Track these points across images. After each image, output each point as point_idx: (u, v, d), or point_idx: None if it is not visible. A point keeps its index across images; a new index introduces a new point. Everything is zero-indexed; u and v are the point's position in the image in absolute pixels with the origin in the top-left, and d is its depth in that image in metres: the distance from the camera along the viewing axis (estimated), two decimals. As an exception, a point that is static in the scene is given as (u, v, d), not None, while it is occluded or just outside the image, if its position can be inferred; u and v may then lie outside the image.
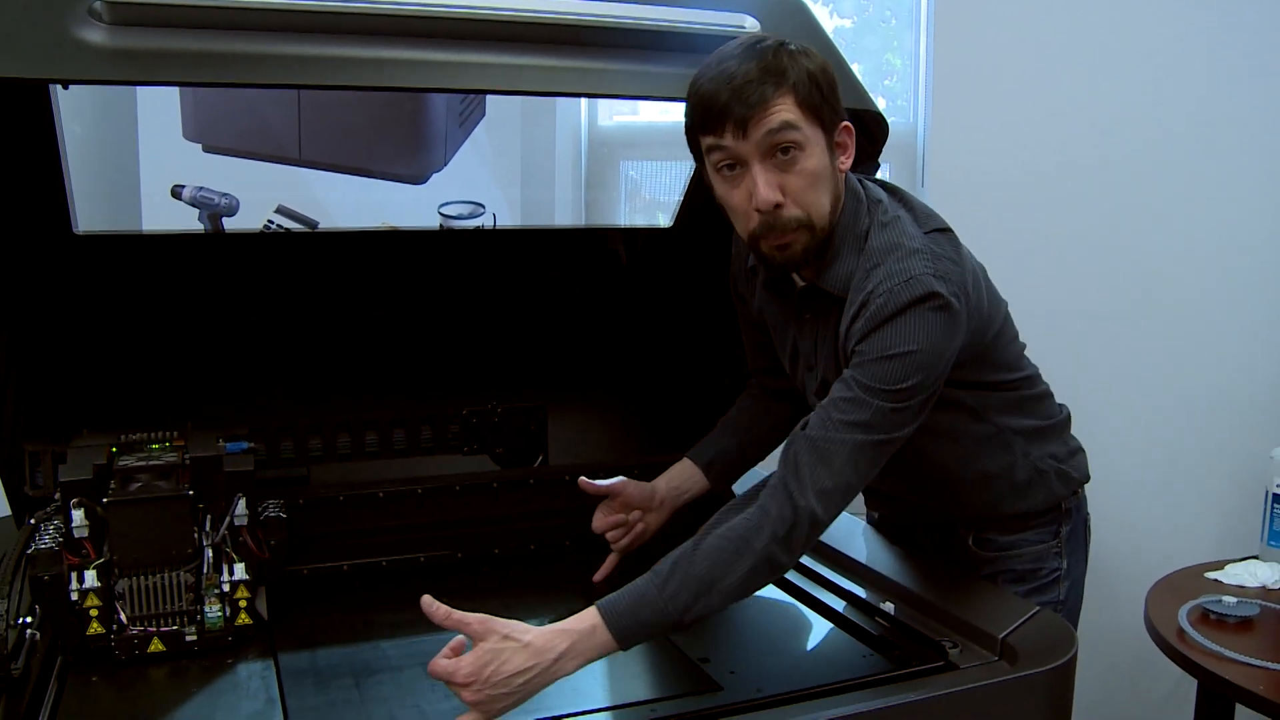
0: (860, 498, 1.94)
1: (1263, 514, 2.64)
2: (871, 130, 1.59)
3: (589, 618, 1.35)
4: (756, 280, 1.75)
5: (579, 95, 2.62)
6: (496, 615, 1.65)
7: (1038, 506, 1.78)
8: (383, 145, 2.76)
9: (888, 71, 3.40)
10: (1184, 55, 2.85)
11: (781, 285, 1.66)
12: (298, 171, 2.80)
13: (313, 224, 2.78)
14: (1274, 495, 2.60)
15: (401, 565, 1.82)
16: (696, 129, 1.49)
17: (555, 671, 1.32)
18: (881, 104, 3.33)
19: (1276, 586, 2.46)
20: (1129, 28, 2.80)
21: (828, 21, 3.39)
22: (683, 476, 1.84)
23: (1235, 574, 2.50)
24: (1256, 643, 2.17)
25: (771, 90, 1.42)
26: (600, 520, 1.79)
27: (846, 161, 1.53)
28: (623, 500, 1.78)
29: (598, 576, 1.77)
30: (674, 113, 1.47)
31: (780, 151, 1.44)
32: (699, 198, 1.94)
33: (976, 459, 1.71)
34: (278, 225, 2.78)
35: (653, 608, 1.37)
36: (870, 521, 1.97)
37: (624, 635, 1.35)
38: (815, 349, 1.65)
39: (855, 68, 3.33)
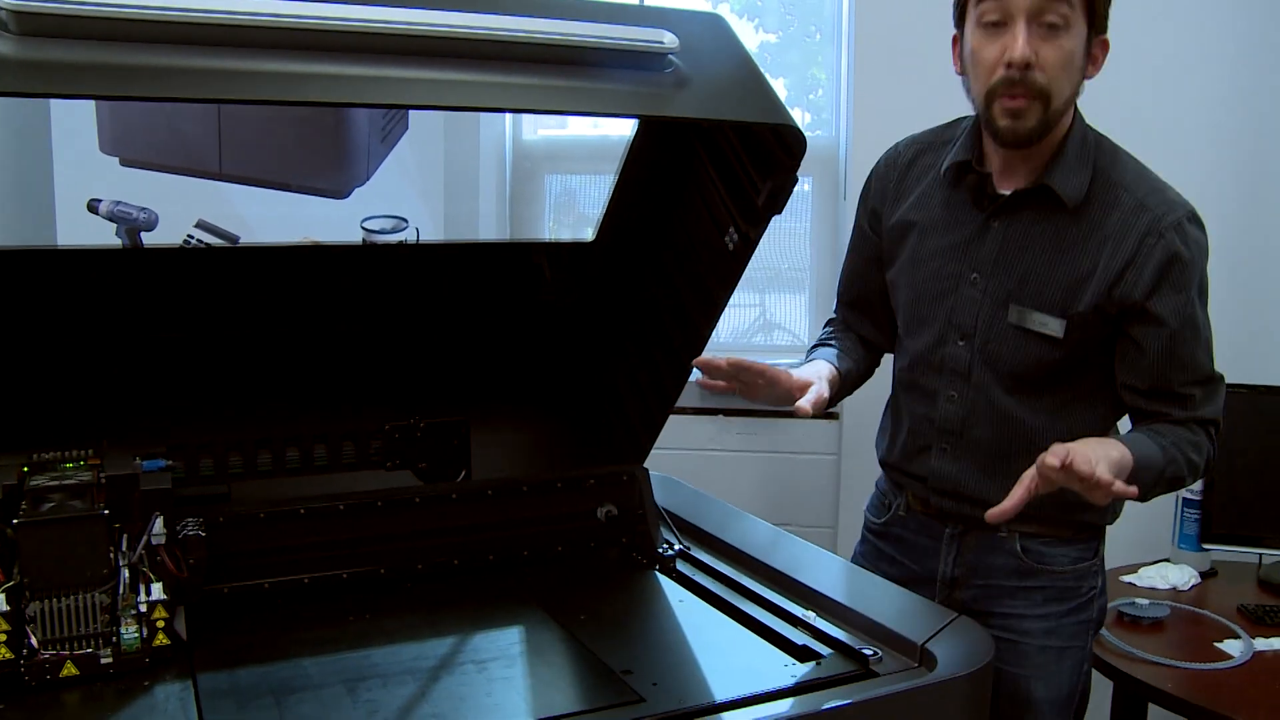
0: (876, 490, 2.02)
1: (1173, 518, 2.71)
2: (789, 144, 1.61)
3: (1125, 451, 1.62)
4: (919, 182, 1.83)
5: (496, 110, 2.62)
6: (421, 631, 1.65)
7: (1091, 520, 1.82)
8: (304, 159, 2.75)
9: (813, 86, 3.45)
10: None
11: (974, 186, 1.73)
12: (218, 185, 2.78)
13: (233, 239, 2.76)
14: (1184, 500, 2.67)
15: (324, 582, 1.80)
16: None
17: (1111, 450, 1.58)
18: (806, 119, 3.40)
19: (1186, 588, 2.53)
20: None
21: (753, 36, 3.43)
22: (822, 373, 1.82)
23: (1148, 577, 2.57)
24: (1167, 643, 2.23)
25: None
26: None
27: (1092, 72, 1.67)
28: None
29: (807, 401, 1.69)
30: (603, 127, 1.50)
31: (1047, 25, 1.58)
32: (621, 211, 1.96)
33: None
34: (198, 240, 2.75)
35: (1158, 464, 1.65)
36: (881, 515, 1.98)
37: (1138, 463, 1.61)
38: (998, 257, 1.71)
39: (780, 83, 3.41)
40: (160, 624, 1.51)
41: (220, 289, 1.89)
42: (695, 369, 1.72)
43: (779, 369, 1.73)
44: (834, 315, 2.09)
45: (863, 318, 2.01)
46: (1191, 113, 2.97)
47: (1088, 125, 1.75)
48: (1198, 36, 2.98)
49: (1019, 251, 1.72)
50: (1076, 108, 1.72)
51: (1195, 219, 1.68)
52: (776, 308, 3.45)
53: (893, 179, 1.89)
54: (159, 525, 1.54)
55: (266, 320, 1.93)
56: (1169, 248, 1.64)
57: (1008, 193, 1.72)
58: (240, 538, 1.75)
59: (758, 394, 1.74)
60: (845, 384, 1.92)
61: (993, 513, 1.54)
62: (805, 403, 1.68)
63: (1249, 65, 2.97)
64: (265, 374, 1.95)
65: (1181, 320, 1.67)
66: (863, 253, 1.97)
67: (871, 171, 1.95)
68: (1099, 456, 1.51)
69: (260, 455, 1.92)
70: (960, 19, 1.70)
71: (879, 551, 1.98)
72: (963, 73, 1.73)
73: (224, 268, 1.97)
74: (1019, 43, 1.58)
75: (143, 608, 1.50)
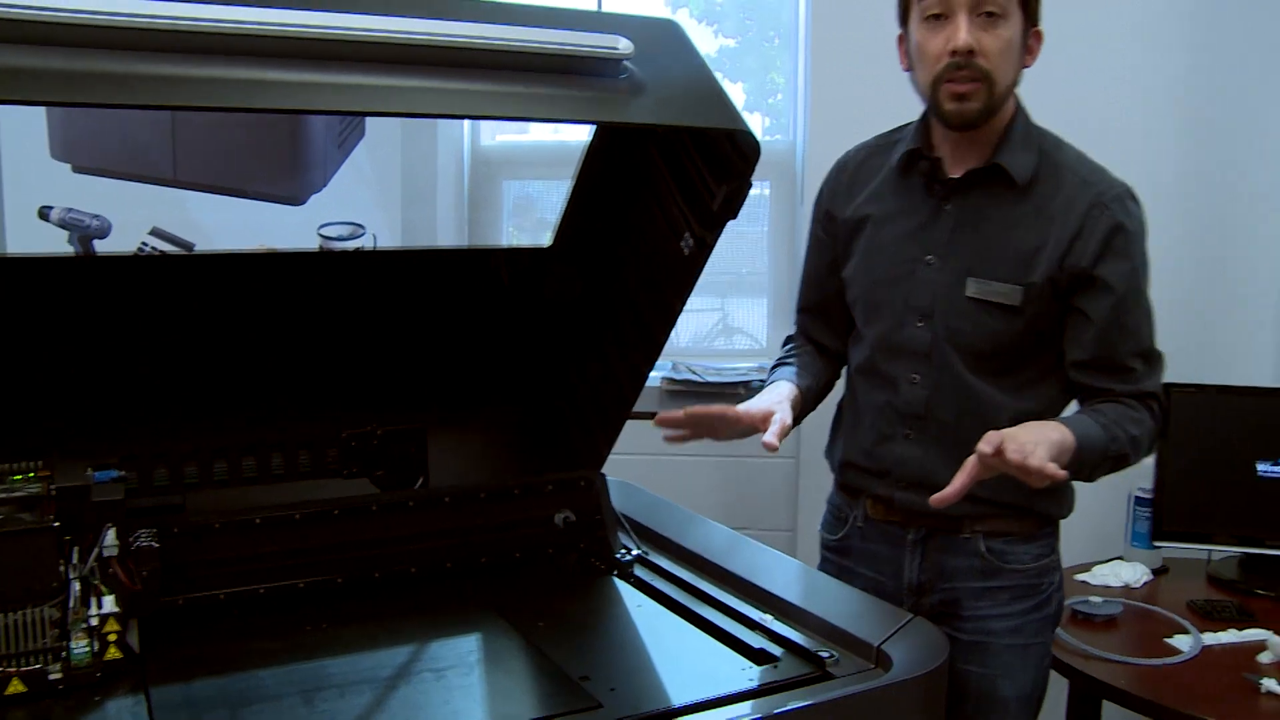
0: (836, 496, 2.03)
1: (1125, 517, 2.75)
2: (744, 150, 1.61)
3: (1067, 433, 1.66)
4: (870, 180, 1.90)
5: (451, 117, 2.61)
6: (379, 639, 1.64)
7: (1052, 512, 1.88)
8: (260, 166, 2.73)
9: (772, 90, 3.47)
10: (1049, 64, 2.95)
11: (926, 172, 1.82)
12: (172, 192, 2.76)
13: (189, 246, 2.73)
14: (1135, 498, 2.71)
15: (280, 592, 1.79)
16: None
17: (1052, 433, 1.62)
18: (765, 123, 3.42)
19: (1138, 585, 2.57)
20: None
21: (712, 41, 3.45)
22: (783, 395, 1.87)
23: (1102, 575, 2.61)
24: (1120, 640, 2.27)
25: None
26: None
27: (1029, 61, 1.78)
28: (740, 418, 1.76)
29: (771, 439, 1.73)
30: (562, 132, 1.50)
31: (986, 14, 1.69)
32: (578, 217, 1.96)
33: None
34: (152, 248, 2.72)
35: (1100, 442, 1.69)
36: (837, 530, 2.00)
37: (1079, 443, 1.65)
38: (953, 237, 1.79)
39: (739, 87, 3.42)
40: (112, 638, 1.49)
41: (175, 297, 1.88)
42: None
43: (736, 409, 1.77)
44: (792, 331, 2.12)
45: (821, 324, 2.03)
46: (1132, 119, 3.01)
47: (1030, 117, 1.83)
48: (1144, 42, 3.02)
49: (972, 230, 1.78)
50: (1019, 99, 1.82)
51: (1135, 197, 1.79)
52: (737, 312, 3.46)
53: (844, 181, 1.96)
54: (111, 537, 1.52)
55: (222, 328, 1.92)
56: (1113, 218, 1.74)
57: (959, 175, 1.79)
58: (195, 548, 1.73)
59: (721, 435, 1.80)
60: (807, 400, 1.95)
61: (937, 497, 1.58)
62: (770, 438, 1.71)
63: (1195, 72, 3.01)
64: (221, 383, 1.93)
65: (1126, 287, 1.75)
66: (819, 257, 2.01)
67: (824, 179, 2.01)
68: (1037, 440, 1.56)
69: (216, 465, 1.91)
70: (904, 16, 1.80)
71: (840, 568, 1.99)
72: (909, 68, 1.81)
73: (179, 275, 1.96)
74: (961, 32, 1.68)
75: (94, 621, 1.48)
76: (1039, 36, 1.79)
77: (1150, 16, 2.99)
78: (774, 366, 2.03)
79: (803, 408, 1.93)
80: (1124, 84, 3.00)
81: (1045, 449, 1.56)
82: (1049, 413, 1.81)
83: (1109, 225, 1.73)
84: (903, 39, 1.82)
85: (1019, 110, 1.81)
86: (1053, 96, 2.91)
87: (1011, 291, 1.75)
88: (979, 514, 1.82)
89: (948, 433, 1.81)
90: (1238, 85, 3.00)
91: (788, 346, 2.08)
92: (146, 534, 1.59)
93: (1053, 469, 1.52)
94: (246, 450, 1.93)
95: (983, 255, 1.77)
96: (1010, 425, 1.73)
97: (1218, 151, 3.02)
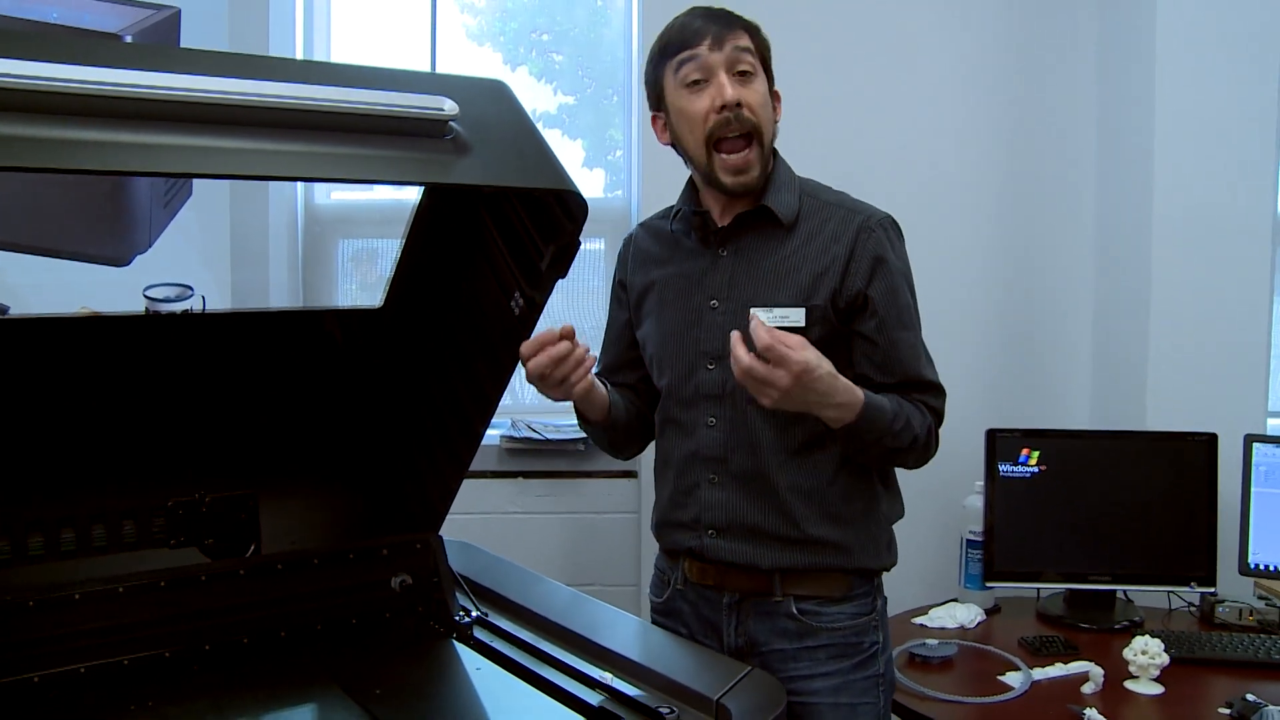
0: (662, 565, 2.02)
1: (959, 559, 2.84)
2: (571, 209, 1.64)
3: (859, 391, 1.71)
4: (652, 248, 1.99)
5: (272, 179, 2.57)
6: (209, 716, 1.59)
7: (869, 565, 1.88)
8: (79, 225, 2.64)
9: (612, 147, 3.51)
10: (879, 122, 3.06)
11: (699, 225, 1.90)
12: (-17, 253, 2.64)
13: (2, 309, 2.62)
14: (968, 541, 2.81)
15: (103, 670, 1.71)
16: (671, 51, 1.82)
17: (830, 396, 1.66)
18: (602, 177, 3.46)
19: (973, 626, 2.66)
20: (829, 105, 2.99)
21: (551, 99, 3.48)
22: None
23: (938, 617, 2.68)
24: (956, 680, 2.33)
25: (737, 23, 1.82)
26: (540, 360, 1.70)
27: (776, 114, 1.87)
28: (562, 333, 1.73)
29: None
30: (400, 191, 1.47)
31: (740, 73, 1.78)
32: (409, 277, 1.95)
33: (865, 488, 1.87)
34: (-39, 312, 2.60)
35: (884, 418, 1.74)
36: (662, 593, 2.00)
37: (865, 413, 1.70)
38: (733, 279, 1.85)
39: (579, 144, 3.45)
40: (-87, 731, 1.41)
41: (-13, 363, 1.80)
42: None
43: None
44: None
45: (621, 385, 2.06)
46: (957, 176, 3.15)
47: (790, 166, 1.92)
48: (968, 101, 3.17)
49: (750, 270, 1.85)
50: (777, 150, 1.89)
51: (896, 225, 1.88)
52: (579, 366, 3.47)
53: (630, 254, 2.04)
54: (-89, 621, 1.44)
55: (40, 394, 1.84)
56: (880, 241, 1.83)
57: (729, 222, 1.87)
58: (6, 629, 1.65)
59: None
60: (614, 414, 1.98)
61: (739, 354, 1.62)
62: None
63: (1015, 132, 3.17)
64: (38, 451, 1.85)
65: (898, 307, 1.83)
66: (617, 322, 2.09)
67: (618, 254, 2.09)
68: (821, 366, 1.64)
69: (31, 539, 1.82)
70: (658, 99, 1.88)
71: (668, 630, 1.99)
72: (670, 141, 1.89)
73: (-9, 341, 1.88)
74: (727, 88, 1.77)
75: (-108, 713, 1.40)
76: (778, 96, 1.88)
77: (974, 76, 3.14)
78: None
79: (608, 412, 1.96)
80: (949, 143, 3.14)
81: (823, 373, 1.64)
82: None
83: (877, 248, 1.82)
84: (657, 118, 1.90)
85: (778, 159, 1.90)
86: (881, 153, 3.06)
87: (794, 314, 1.81)
88: (790, 576, 1.84)
89: (748, 471, 1.85)
90: (1053, 146, 3.18)
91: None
92: (-49, 616, 1.51)
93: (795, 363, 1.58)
94: (65, 522, 1.84)
95: (763, 290, 1.84)
96: (801, 451, 1.82)
97: (1034, 207, 3.18)
